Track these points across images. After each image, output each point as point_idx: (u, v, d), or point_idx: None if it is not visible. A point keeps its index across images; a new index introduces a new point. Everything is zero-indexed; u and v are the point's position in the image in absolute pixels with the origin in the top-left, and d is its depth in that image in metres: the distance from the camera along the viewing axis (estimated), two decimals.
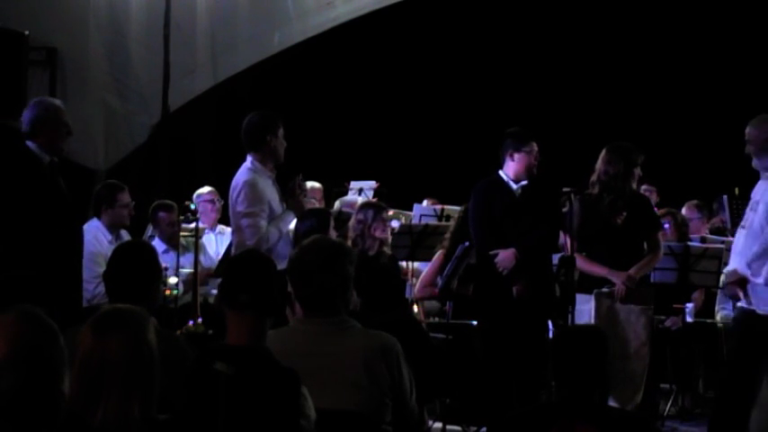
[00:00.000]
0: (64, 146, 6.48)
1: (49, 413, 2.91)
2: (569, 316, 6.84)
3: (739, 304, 6.37)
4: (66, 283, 6.20)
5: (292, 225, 7.51)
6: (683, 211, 9.37)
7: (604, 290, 6.95)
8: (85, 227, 7.63)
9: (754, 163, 6.34)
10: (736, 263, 6.38)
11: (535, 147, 7.28)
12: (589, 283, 7.01)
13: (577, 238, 7.02)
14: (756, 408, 7.00)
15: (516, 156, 7.27)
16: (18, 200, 6.17)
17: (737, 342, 6.43)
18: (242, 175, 6.75)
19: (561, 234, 7.94)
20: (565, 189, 7.26)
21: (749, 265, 6.21)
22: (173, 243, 8.32)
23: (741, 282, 6.26)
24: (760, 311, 6.22)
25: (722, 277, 8.56)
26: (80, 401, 2.96)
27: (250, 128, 6.81)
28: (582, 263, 7.00)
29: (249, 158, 6.80)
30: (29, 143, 6.29)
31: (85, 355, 3.00)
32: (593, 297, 6.98)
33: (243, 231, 6.70)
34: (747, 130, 6.34)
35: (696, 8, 12.25)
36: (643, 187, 8.68)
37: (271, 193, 6.75)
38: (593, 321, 6.90)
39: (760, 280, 6.16)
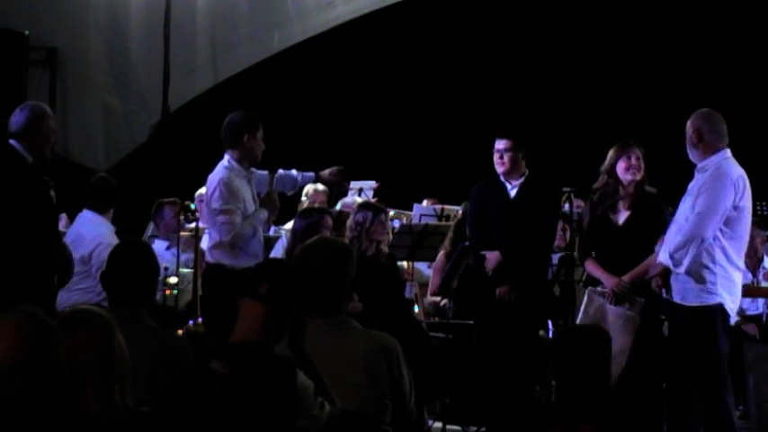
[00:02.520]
0: (47, 153, 6.50)
1: (54, 417, 2.91)
2: (570, 315, 6.84)
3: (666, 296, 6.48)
4: (47, 282, 6.22)
5: (289, 225, 7.53)
6: None
7: (598, 289, 6.94)
8: (90, 220, 7.52)
9: (689, 155, 6.47)
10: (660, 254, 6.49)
11: (497, 144, 7.23)
12: (590, 281, 7.01)
13: (587, 239, 7.02)
14: (756, 406, 7.02)
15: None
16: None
17: (672, 336, 6.52)
18: (217, 173, 6.81)
19: (559, 234, 7.94)
20: (565, 189, 7.25)
21: (672, 256, 6.29)
22: (174, 240, 8.31)
23: (664, 273, 6.36)
24: (684, 303, 6.32)
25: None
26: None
27: (229, 126, 6.87)
28: (587, 263, 7.00)
29: (226, 156, 6.85)
30: (13, 142, 6.30)
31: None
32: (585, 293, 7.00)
33: (218, 228, 6.75)
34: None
35: (697, 8, 12.25)
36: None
37: (245, 191, 6.79)
38: (579, 317, 6.91)
39: (682, 270, 6.26)
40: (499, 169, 7.23)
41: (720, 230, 6.26)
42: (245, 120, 6.87)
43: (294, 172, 7.27)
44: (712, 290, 6.27)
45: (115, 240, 7.13)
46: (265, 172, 7.08)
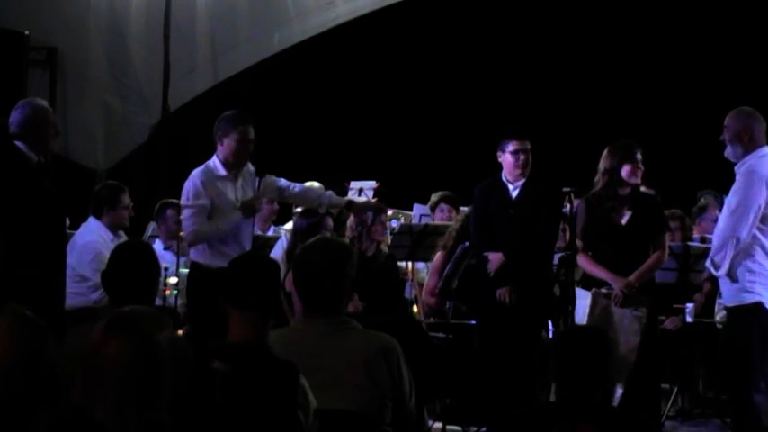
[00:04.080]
0: (52, 146, 6.53)
1: (50, 416, 2.89)
2: (569, 314, 6.83)
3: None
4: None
5: (289, 225, 7.50)
6: None
7: (603, 290, 6.93)
8: (86, 227, 7.64)
9: (726, 152, 6.37)
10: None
11: (513, 146, 7.20)
12: (590, 281, 7.00)
13: (582, 239, 7.01)
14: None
15: (501, 156, 7.27)
16: (4, 199, 6.21)
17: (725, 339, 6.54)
18: (196, 170, 6.87)
19: (560, 235, 7.94)
20: (565, 189, 7.24)
21: (712, 260, 6.27)
22: (175, 242, 8.32)
23: (713, 279, 6.40)
24: (727, 304, 6.31)
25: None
26: (80, 397, 2.93)
27: (216, 124, 6.91)
28: (586, 264, 6.99)
29: (214, 154, 6.89)
30: (17, 143, 6.31)
31: (89, 351, 2.96)
32: (589, 294, 6.97)
33: (182, 223, 6.89)
34: (726, 118, 6.40)
35: (696, 7, 12.25)
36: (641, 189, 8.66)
37: (223, 191, 6.77)
38: (586, 319, 6.90)
39: (721, 272, 6.21)
40: (517, 171, 7.19)
41: (758, 229, 6.22)
42: (226, 119, 6.85)
43: (327, 193, 7.19)
44: (750, 288, 6.19)
45: (104, 248, 7.20)
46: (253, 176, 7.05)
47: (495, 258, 7.14)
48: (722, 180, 10.10)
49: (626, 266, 6.90)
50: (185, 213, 6.87)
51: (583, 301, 6.97)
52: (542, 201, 7.22)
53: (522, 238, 7.14)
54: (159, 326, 3.04)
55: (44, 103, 6.66)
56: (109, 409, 2.90)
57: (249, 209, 6.90)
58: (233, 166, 6.83)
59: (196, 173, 6.84)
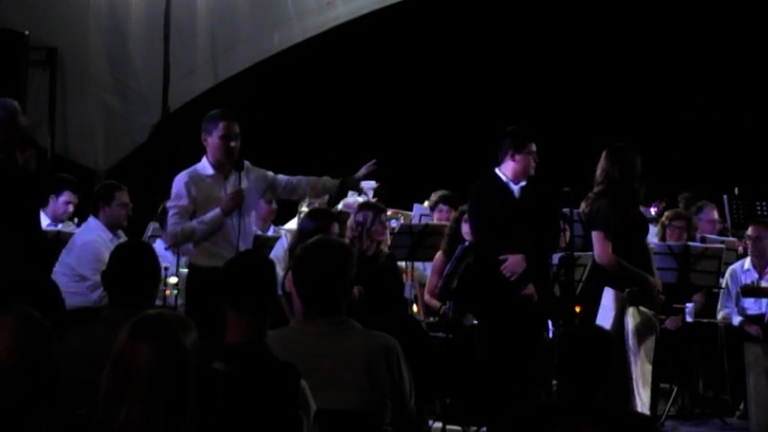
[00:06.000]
0: (16, 148, 6.47)
1: (51, 418, 2.88)
2: (591, 310, 6.65)
3: None
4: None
5: (289, 225, 7.49)
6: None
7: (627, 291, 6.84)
8: (86, 226, 7.67)
9: None
10: None
11: (534, 147, 7.23)
12: (621, 283, 6.72)
13: (611, 240, 6.76)
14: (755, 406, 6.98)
15: (518, 157, 7.17)
16: None
17: None
18: (183, 171, 6.79)
19: (562, 234, 7.93)
20: (565, 189, 7.21)
21: None
22: None
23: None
24: None
25: (726, 276, 8.58)
26: (106, 400, 2.91)
27: (202, 125, 6.81)
28: (626, 265, 6.69)
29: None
30: None
31: (117, 355, 2.92)
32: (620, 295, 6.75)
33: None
34: None
35: (694, 8, 12.26)
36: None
37: (207, 191, 6.69)
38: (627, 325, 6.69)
39: None
40: (530, 172, 7.16)
41: None
42: (208, 118, 6.74)
43: (322, 179, 7.07)
44: None
45: (103, 248, 7.19)
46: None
47: (516, 260, 7.04)
48: (721, 179, 10.12)
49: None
50: (168, 212, 6.80)
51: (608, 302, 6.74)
52: (544, 201, 7.21)
53: (536, 238, 7.09)
54: (186, 329, 2.99)
55: (15, 104, 6.62)
56: (134, 414, 2.86)
57: (225, 204, 6.68)
58: (221, 164, 6.72)
59: (181, 174, 6.75)
